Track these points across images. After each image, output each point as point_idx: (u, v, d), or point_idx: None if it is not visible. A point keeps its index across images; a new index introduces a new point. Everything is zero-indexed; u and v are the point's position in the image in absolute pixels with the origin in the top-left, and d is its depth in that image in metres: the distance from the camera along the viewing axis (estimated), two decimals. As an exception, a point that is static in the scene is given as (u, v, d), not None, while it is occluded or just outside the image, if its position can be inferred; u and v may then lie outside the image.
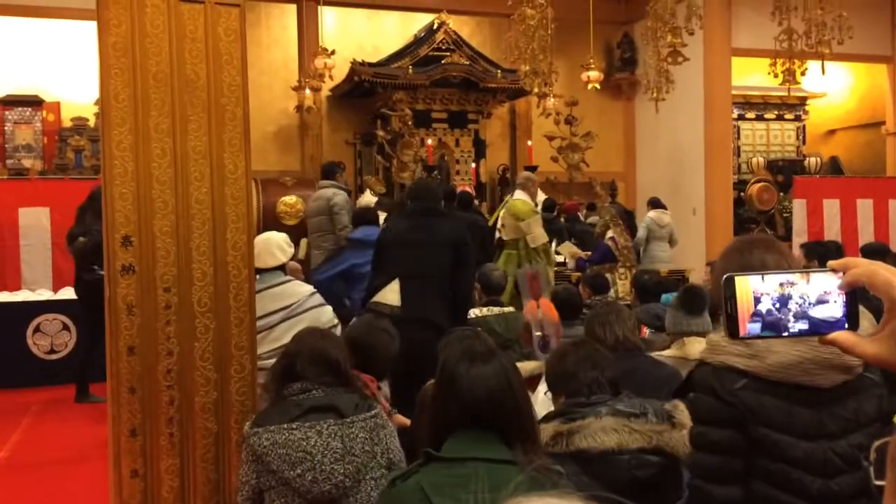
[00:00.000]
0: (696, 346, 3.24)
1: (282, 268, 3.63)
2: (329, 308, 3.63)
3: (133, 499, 2.79)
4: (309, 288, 3.64)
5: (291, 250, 3.74)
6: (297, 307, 3.49)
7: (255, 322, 2.96)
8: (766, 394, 1.84)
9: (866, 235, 9.65)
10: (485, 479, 1.67)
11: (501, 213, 6.74)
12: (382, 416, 2.37)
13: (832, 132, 12.03)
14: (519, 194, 6.51)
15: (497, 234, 6.66)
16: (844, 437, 1.84)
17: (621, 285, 6.83)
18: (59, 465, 4.54)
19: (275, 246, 3.63)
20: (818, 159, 10.86)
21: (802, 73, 6.46)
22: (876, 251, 5.08)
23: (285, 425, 2.21)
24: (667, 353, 3.49)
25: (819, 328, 0.89)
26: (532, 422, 1.85)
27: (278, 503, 2.23)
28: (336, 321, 3.63)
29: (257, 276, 3.43)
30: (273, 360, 2.64)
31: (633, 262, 7.22)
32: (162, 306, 2.79)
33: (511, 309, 4.30)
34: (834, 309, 0.88)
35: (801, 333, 0.90)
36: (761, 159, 10.70)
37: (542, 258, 6.17)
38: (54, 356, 6.55)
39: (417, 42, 9.96)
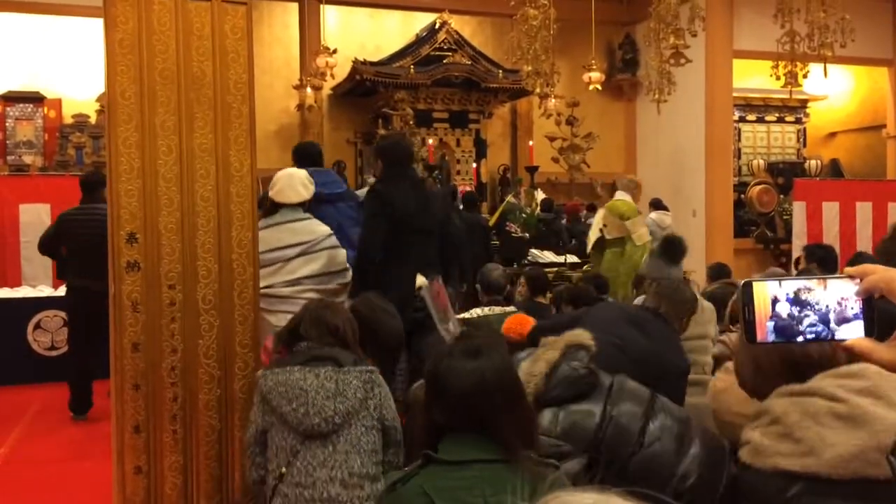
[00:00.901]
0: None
1: (302, 204, 3.70)
2: (343, 251, 3.73)
3: (136, 495, 2.80)
4: (327, 229, 3.70)
5: (313, 188, 3.79)
6: (315, 244, 3.59)
7: (258, 320, 2.96)
8: (829, 496, 1.47)
9: (864, 238, 9.68)
10: (488, 482, 1.65)
11: (603, 214, 7.00)
12: (379, 378, 2.51)
13: (833, 135, 12.04)
14: (621, 195, 6.90)
15: (598, 234, 6.95)
16: None
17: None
18: (59, 462, 4.54)
19: (298, 182, 3.71)
20: (818, 162, 10.87)
21: (804, 76, 6.47)
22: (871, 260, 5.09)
23: (287, 368, 2.44)
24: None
25: (835, 334, 0.90)
26: (527, 418, 1.82)
27: (277, 439, 2.41)
28: (348, 266, 3.73)
29: (278, 211, 3.61)
30: (286, 289, 3.26)
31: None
32: (166, 303, 2.79)
33: (512, 308, 4.31)
34: (851, 315, 0.89)
35: (817, 338, 0.90)
36: (762, 161, 10.71)
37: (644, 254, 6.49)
38: (55, 353, 6.55)
39: (419, 41, 9.96)
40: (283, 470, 2.37)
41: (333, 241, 3.67)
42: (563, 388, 2.11)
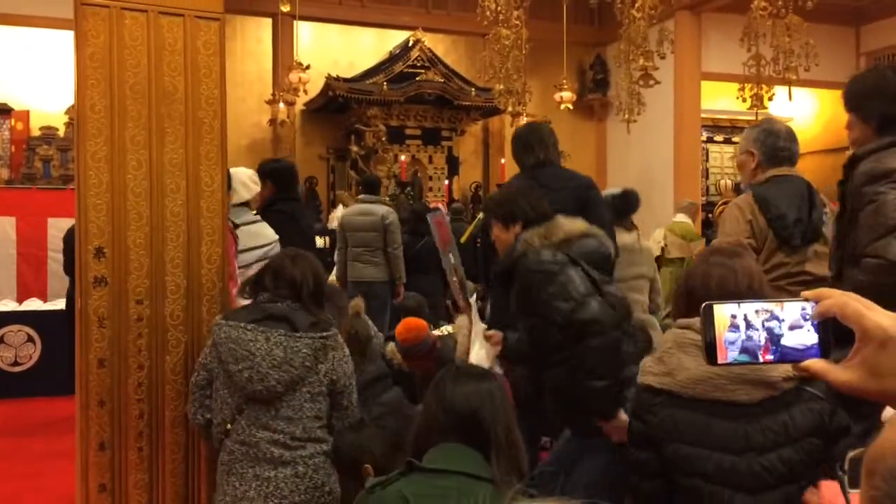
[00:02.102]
0: (624, 238, 3.90)
1: (246, 205, 3.62)
2: None
3: (100, 514, 2.76)
4: (274, 233, 3.63)
5: (257, 188, 3.71)
6: (271, 250, 3.52)
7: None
8: (681, 409, 1.87)
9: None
10: (463, 493, 1.67)
11: (664, 233, 7.20)
12: (337, 340, 2.54)
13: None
14: (681, 217, 7.22)
15: (659, 252, 7.08)
16: (775, 451, 1.81)
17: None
18: (22, 478, 4.46)
19: (238, 182, 3.59)
20: (784, 183, 11.05)
21: (770, 98, 6.60)
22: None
23: (242, 324, 2.46)
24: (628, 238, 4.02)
25: (792, 355, 0.92)
26: (515, 445, 1.84)
27: (222, 391, 2.49)
28: None
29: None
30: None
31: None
32: (134, 319, 2.77)
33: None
34: (807, 337, 0.92)
35: (774, 360, 0.93)
36: (729, 182, 10.88)
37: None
38: (18, 368, 6.43)
39: (392, 59, 10.01)
40: (229, 426, 2.46)
41: (279, 247, 3.61)
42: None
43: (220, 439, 2.49)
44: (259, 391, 2.41)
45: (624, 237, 3.94)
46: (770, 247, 3.01)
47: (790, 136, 3.22)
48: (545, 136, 3.52)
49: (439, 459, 1.75)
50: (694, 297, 1.94)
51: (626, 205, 4.16)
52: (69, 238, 5.21)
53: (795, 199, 3.06)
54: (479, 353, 3.11)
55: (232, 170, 3.67)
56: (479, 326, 3.21)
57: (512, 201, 2.91)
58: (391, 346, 3.57)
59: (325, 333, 2.50)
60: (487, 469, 1.74)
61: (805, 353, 0.92)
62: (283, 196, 4.04)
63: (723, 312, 0.94)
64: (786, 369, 1.79)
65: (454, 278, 3.43)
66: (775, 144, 3.17)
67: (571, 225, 2.74)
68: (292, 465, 2.42)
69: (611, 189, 4.44)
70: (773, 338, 0.92)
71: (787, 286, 2.92)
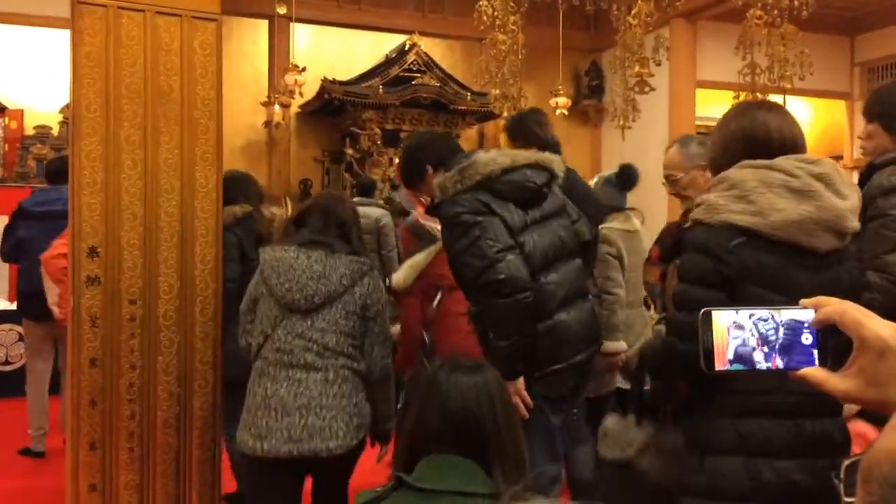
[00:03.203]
0: (638, 219, 3.89)
1: None
2: None
3: (90, 514, 2.75)
4: None
5: None
6: None
7: (220, 336, 2.94)
8: (764, 252, 1.79)
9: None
10: None
11: None
12: (373, 269, 2.71)
13: (791, 165, 12.30)
14: None
15: None
16: None
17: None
18: (12, 478, 4.43)
19: None
20: (778, 191, 11.08)
21: (764, 107, 6.62)
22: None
23: (285, 246, 2.65)
24: (613, 225, 3.79)
25: (790, 363, 0.92)
26: (517, 443, 1.68)
27: (264, 308, 2.63)
28: None
29: None
30: None
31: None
32: (126, 319, 2.76)
33: None
34: (805, 345, 0.91)
35: (772, 367, 0.92)
36: (723, 189, 10.90)
37: None
38: (8, 367, 6.40)
39: (389, 62, 10.01)
40: (269, 332, 2.60)
41: None
42: None
43: (256, 350, 2.63)
44: (297, 300, 2.57)
45: (635, 222, 3.92)
46: None
47: None
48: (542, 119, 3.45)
49: (432, 476, 1.58)
50: (753, 141, 1.87)
51: (627, 179, 4.03)
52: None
53: None
54: None
55: None
56: None
57: (409, 156, 2.83)
58: None
59: (362, 259, 2.69)
60: (485, 482, 1.57)
61: (803, 360, 0.91)
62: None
63: (721, 318, 0.94)
64: (857, 225, 1.83)
65: None
66: None
67: (491, 161, 2.56)
68: (323, 371, 2.55)
69: (604, 172, 4.36)
70: (771, 345, 0.92)
71: None
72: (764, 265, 1.79)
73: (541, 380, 2.53)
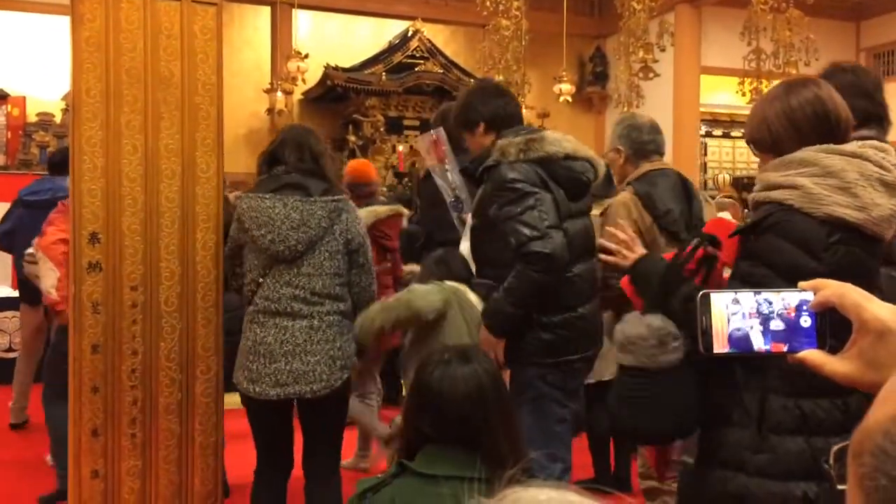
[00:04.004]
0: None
1: None
2: None
3: (93, 500, 2.75)
4: None
5: None
6: None
7: (222, 322, 2.93)
8: (858, 248, 1.75)
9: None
10: (458, 501, 1.53)
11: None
12: (347, 205, 2.81)
13: (796, 152, 12.27)
14: (725, 215, 7.35)
15: None
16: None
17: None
18: (14, 464, 4.45)
19: None
20: (782, 178, 11.06)
21: (769, 93, 6.59)
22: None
23: (260, 195, 2.72)
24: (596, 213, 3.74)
25: (789, 346, 0.91)
26: (511, 429, 1.71)
27: (251, 257, 2.76)
28: None
29: None
30: None
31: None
32: (128, 305, 2.75)
33: None
34: (804, 327, 0.91)
35: (771, 350, 0.92)
36: (727, 176, 10.87)
37: None
38: (11, 354, 6.41)
39: (391, 49, 9.97)
40: (261, 280, 2.73)
41: None
42: None
43: (249, 298, 2.77)
44: (282, 251, 2.67)
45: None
46: (660, 245, 2.90)
47: (653, 128, 3.26)
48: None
49: (433, 462, 1.63)
50: (823, 120, 1.79)
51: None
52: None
53: (675, 192, 3.08)
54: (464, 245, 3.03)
55: None
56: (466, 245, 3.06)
57: (468, 104, 2.80)
58: None
59: (336, 197, 2.76)
60: (482, 467, 1.58)
61: (802, 343, 0.91)
62: None
63: (720, 301, 0.93)
64: None
65: (451, 199, 3.32)
66: (639, 138, 3.19)
67: (556, 143, 2.61)
68: (308, 319, 2.70)
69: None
70: (770, 327, 0.92)
71: None
72: (859, 262, 1.76)
73: (557, 369, 2.59)
